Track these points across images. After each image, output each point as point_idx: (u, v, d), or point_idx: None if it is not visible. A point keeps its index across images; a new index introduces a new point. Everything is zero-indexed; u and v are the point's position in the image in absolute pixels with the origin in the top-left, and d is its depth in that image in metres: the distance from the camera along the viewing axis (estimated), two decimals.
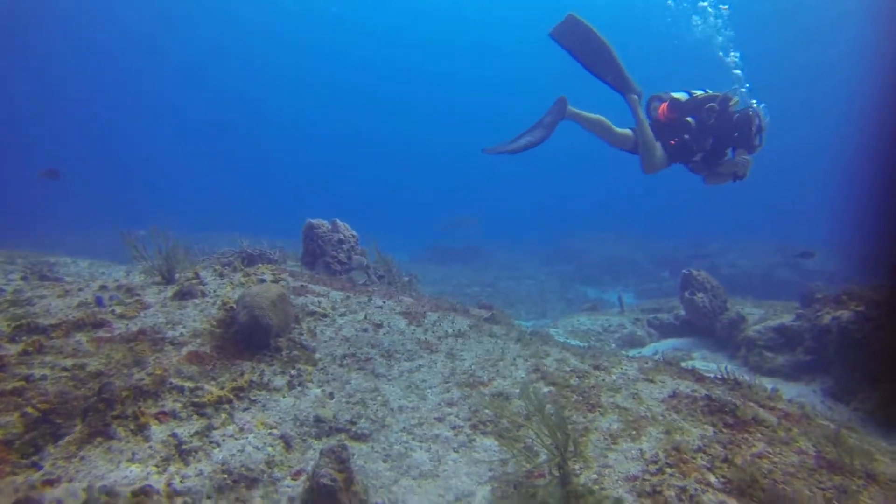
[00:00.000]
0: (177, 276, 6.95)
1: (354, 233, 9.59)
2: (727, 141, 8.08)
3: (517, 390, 5.52)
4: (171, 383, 4.63)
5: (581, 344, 10.08)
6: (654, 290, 25.00)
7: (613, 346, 11.95)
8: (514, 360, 6.22)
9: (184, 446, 4.06)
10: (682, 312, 13.06)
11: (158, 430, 4.17)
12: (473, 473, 4.38)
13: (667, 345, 11.88)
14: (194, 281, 6.59)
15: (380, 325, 6.69)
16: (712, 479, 4.09)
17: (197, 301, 6.27)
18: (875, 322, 8.28)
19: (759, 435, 4.96)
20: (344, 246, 9.07)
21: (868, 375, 7.98)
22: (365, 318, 6.76)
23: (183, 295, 6.29)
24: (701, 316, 12.05)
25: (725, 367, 7.51)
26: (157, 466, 3.83)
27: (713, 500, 3.84)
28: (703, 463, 4.28)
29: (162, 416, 4.31)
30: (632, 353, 10.17)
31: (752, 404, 5.67)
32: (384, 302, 7.49)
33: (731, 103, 7.98)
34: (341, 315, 6.72)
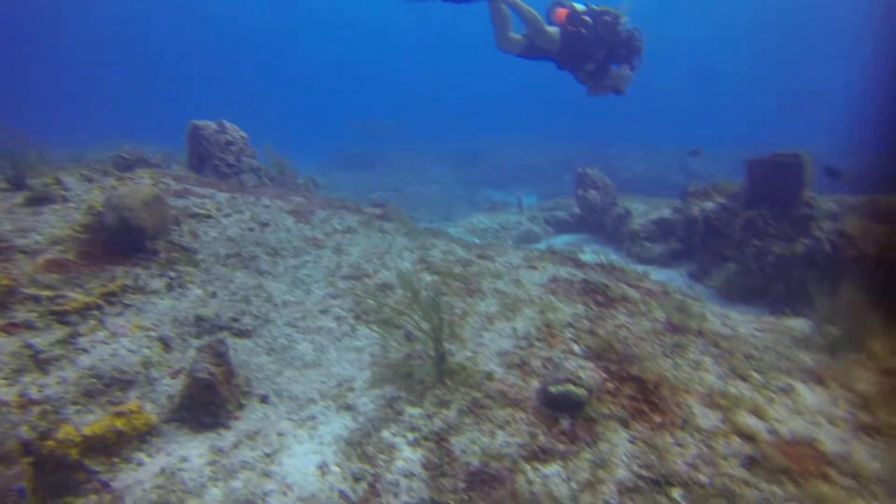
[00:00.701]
0: (29, 181, 6.39)
1: (244, 134, 9.19)
2: (614, 56, 8.45)
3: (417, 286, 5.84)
4: (22, 293, 4.44)
5: (477, 241, 10.58)
6: (557, 192, 26.07)
7: (510, 242, 12.63)
8: (401, 252, 6.49)
9: (41, 356, 3.96)
10: (577, 210, 13.88)
11: (7, 342, 4.02)
12: (355, 360, 4.71)
13: (560, 240, 12.70)
14: (54, 186, 6.15)
15: (266, 224, 6.67)
16: (576, 348, 4.66)
17: (57, 207, 5.89)
18: (731, 211, 9.31)
19: (624, 309, 5.63)
20: (232, 147, 8.70)
21: (719, 257, 9.09)
22: (251, 217, 6.70)
23: (37, 201, 5.87)
24: (593, 212, 12.90)
25: (611, 257, 8.32)
26: (5, 379, 3.72)
27: (574, 364, 4.41)
28: (570, 336, 4.84)
29: (11, 328, 4.16)
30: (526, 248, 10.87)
31: (622, 285, 6.36)
32: (272, 202, 7.42)
33: (621, 21, 8.30)
34: (226, 216, 6.61)
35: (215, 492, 3.29)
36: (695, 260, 9.91)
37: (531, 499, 3.28)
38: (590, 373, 4.27)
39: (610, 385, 4.17)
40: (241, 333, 4.91)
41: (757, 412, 3.96)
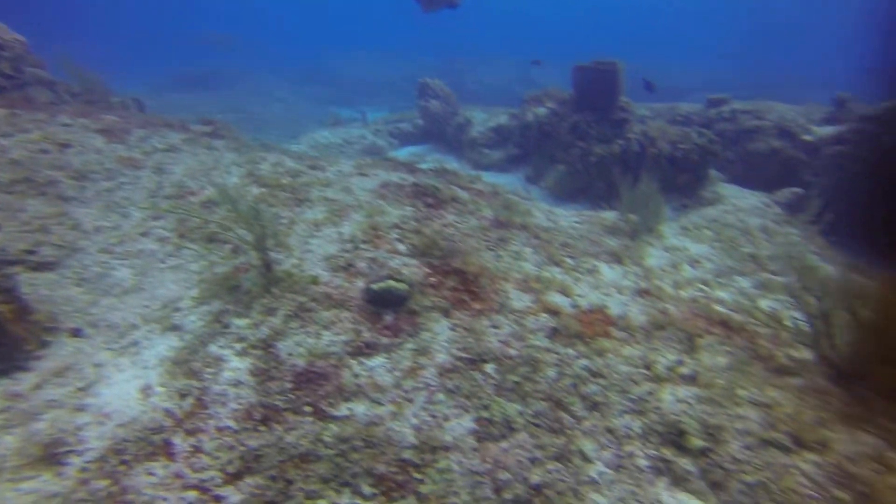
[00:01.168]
0: None
1: (20, 37, 7.64)
2: None
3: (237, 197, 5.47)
4: None
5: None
6: (408, 107, 25.80)
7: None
8: (229, 167, 6.04)
9: None
10: (421, 122, 13.82)
11: None
12: (181, 280, 4.40)
13: (405, 151, 12.66)
14: None
15: (66, 145, 5.78)
16: (401, 247, 4.73)
17: None
18: (560, 116, 9.86)
19: (453, 209, 5.79)
20: (4, 54, 7.22)
21: (551, 159, 9.70)
22: (43, 137, 5.74)
23: None
24: (435, 122, 12.93)
25: (452, 165, 8.48)
26: None
27: (399, 262, 4.48)
28: (396, 236, 4.89)
29: None
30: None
31: (454, 187, 6.52)
32: (74, 120, 6.41)
33: None
34: (5, 136, 5.60)
35: (9, 440, 2.95)
36: (530, 163, 10.46)
37: (356, 390, 3.37)
38: (413, 269, 4.37)
39: (433, 279, 4.32)
40: (41, 266, 4.31)
41: (564, 291, 4.37)
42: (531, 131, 10.45)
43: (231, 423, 3.13)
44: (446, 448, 3.04)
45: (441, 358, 3.60)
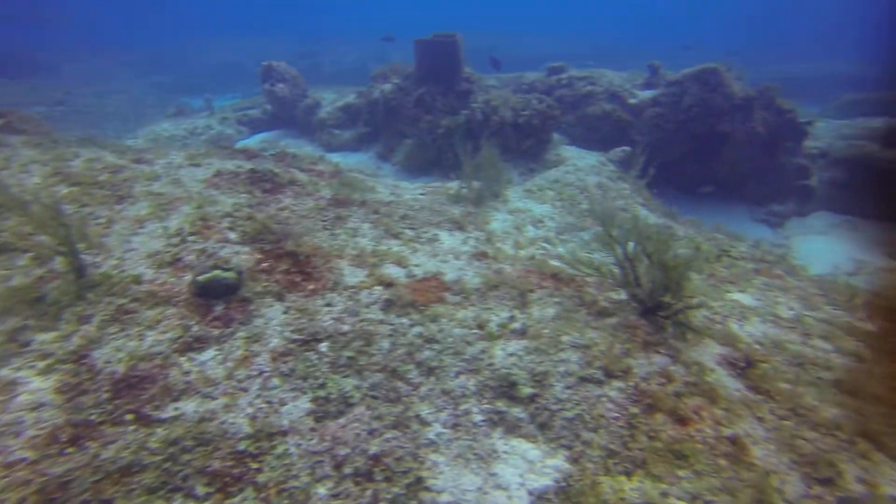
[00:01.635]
0: None
1: None
2: None
3: (30, 199, 4.80)
4: None
5: None
6: (260, 93, 24.49)
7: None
8: (26, 166, 5.30)
9: None
10: (270, 107, 13.17)
11: None
12: None
13: (255, 139, 12.01)
14: None
15: None
16: (232, 235, 4.46)
17: None
18: (405, 91, 9.87)
19: (291, 192, 5.57)
20: None
21: (400, 135, 9.71)
22: None
23: None
24: (283, 106, 12.37)
25: (305, 149, 8.14)
26: None
27: (229, 251, 4.23)
28: (227, 225, 4.60)
29: None
30: None
31: (293, 170, 6.27)
32: None
33: None
34: None
35: None
36: (381, 141, 10.38)
37: (185, 388, 3.15)
38: (244, 256, 4.15)
39: (265, 264, 4.13)
40: None
41: (400, 262, 4.38)
42: (378, 108, 10.36)
43: (26, 454, 2.77)
44: (284, 433, 2.95)
45: (274, 342, 3.47)
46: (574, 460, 2.89)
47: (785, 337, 4.26)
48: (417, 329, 3.62)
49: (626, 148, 9.52)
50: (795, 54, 29.96)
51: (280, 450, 2.83)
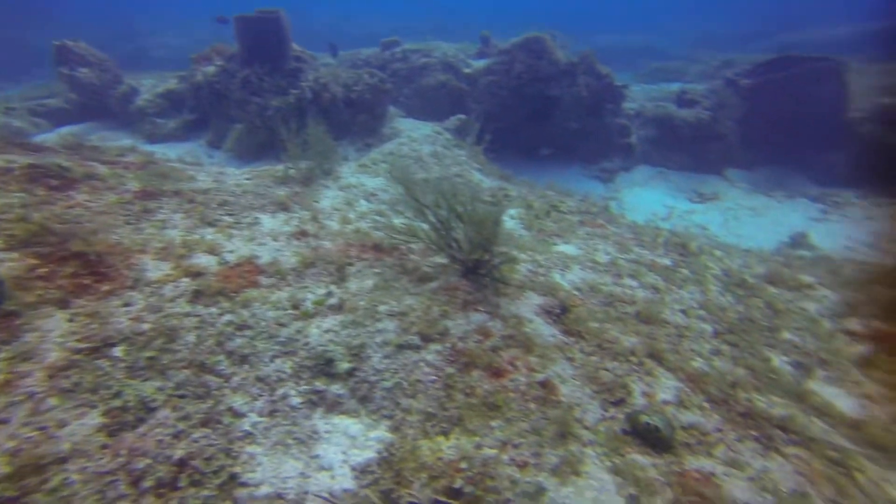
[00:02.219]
0: None
1: None
2: None
3: None
4: None
5: None
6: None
7: None
8: None
9: None
10: (75, 95, 11.59)
11: None
12: None
13: (57, 133, 10.51)
14: None
15: None
16: None
17: None
18: (229, 72, 9.18)
19: (86, 188, 4.92)
20: None
21: (229, 120, 9.06)
22: None
23: None
24: (91, 94, 10.97)
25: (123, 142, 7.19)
26: None
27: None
28: None
29: None
30: None
31: (92, 163, 5.54)
32: None
33: None
34: None
35: None
36: (210, 128, 9.61)
37: None
38: (11, 264, 3.56)
39: (43, 270, 3.59)
40: None
41: (212, 250, 4.05)
42: (203, 93, 9.56)
43: None
44: (62, 460, 2.57)
45: (53, 357, 3.02)
46: (395, 429, 2.87)
47: (600, 280, 4.61)
48: (228, 317, 3.37)
49: (462, 116, 9.72)
50: (616, 27, 32.66)
51: (55, 482, 2.47)
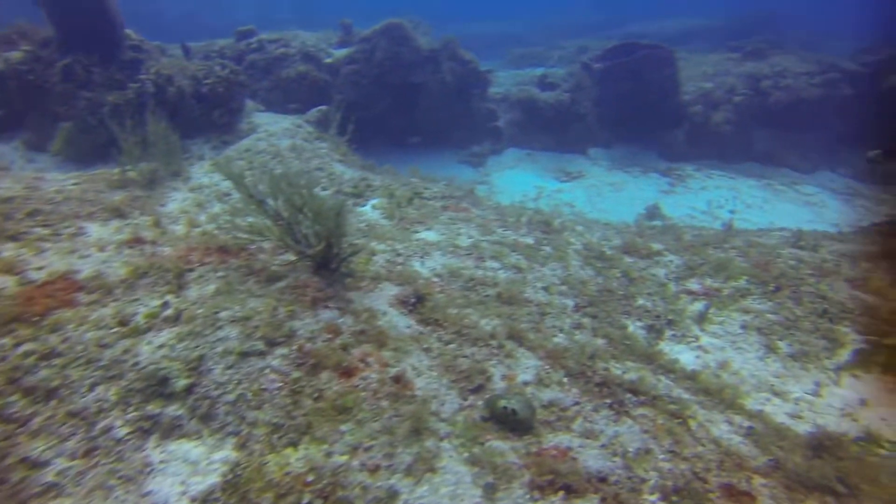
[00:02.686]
0: None
1: None
2: None
3: None
4: None
5: None
6: None
7: None
8: None
9: None
10: None
11: None
12: None
13: None
14: None
15: None
16: None
17: None
18: (46, 61, 8.06)
19: None
20: None
21: (54, 117, 7.96)
22: None
23: None
24: None
25: None
26: None
27: None
28: None
29: None
30: None
31: None
32: None
33: None
34: None
35: None
36: (27, 126, 8.38)
37: None
38: None
39: None
40: None
41: (10, 269, 3.46)
42: (11, 84, 8.29)
43: None
44: None
45: None
46: (241, 446, 2.61)
47: (462, 264, 4.59)
48: (29, 346, 2.87)
49: (323, 107, 9.35)
50: (478, 17, 33.41)
51: None
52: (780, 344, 4.41)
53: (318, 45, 11.75)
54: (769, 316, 4.68)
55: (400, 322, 3.45)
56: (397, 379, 2.89)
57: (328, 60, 11.45)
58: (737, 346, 4.41)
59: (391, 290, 3.79)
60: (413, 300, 3.63)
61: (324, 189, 6.71)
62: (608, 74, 13.42)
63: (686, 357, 4.30)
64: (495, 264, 4.66)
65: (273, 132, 8.15)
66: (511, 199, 11.57)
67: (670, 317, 4.67)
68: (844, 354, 4.35)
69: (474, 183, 12.42)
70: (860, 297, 4.89)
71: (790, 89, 13.97)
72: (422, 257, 4.64)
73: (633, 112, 13.48)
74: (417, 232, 5.35)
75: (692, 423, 3.04)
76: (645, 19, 28.30)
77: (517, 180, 12.37)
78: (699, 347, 4.41)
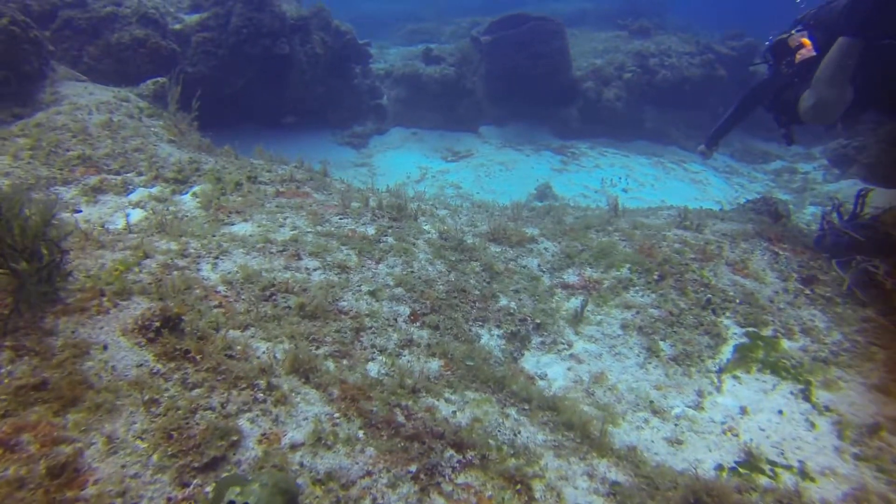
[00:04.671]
0: None
1: None
2: None
3: None
4: None
5: None
6: None
7: None
8: None
9: None
10: None
11: None
12: None
13: None
14: None
15: None
16: None
17: None
18: None
19: None
20: None
21: None
22: None
23: None
24: None
25: None
26: None
27: None
28: None
29: None
30: None
31: None
32: None
33: None
34: None
35: None
36: None
37: None
38: None
39: None
40: None
41: None
42: None
43: None
44: None
45: None
46: None
47: (267, 265, 3.49)
48: None
49: (160, 79, 7.80)
50: None
51: None
52: (663, 345, 3.70)
53: (163, 7, 10.01)
54: (652, 311, 3.97)
55: (126, 360, 2.31)
56: (59, 470, 1.76)
57: (177, 27, 9.76)
58: (615, 352, 3.65)
59: (134, 311, 2.63)
60: (158, 324, 2.50)
61: (139, 175, 5.37)
62: (495, 47, 12.62)
63: (555, 371, 3.48)
64: (313, 263, 3.60)
65: (80, 105, 6.55)
66: (393, 181, 10.55)
67: (539, 319, 3.84)
68: (726, 351, 3.72)
69: (354, 165, 11.27)
70: (740, 283, 4.32)
71: (675, 68, 13.89)
72: (217, 258, 3.48)
73: (523, 87, 12.82)
74: (232, 224, 4.18)
75: (537, 487, 2.16)
76: (541, 1, 28.13)
77: (401, 161, 11.34)
78: (572, 357, 3.60)
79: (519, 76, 12.71)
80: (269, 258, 3.56)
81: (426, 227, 4.59)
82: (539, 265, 4.49)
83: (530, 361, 3.50)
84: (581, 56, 14.08)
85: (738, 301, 4.11)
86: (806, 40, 4.57)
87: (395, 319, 3.24)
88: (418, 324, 3.30)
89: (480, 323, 3.55)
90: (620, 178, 11.31)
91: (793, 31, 4.78)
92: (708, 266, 4.47)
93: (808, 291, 4.24)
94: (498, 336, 3.52)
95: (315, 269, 3.53)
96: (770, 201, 7.03)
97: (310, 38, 10.74)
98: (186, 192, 5.00)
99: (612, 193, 10.73)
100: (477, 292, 3.83)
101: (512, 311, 3.80)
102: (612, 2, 26.38)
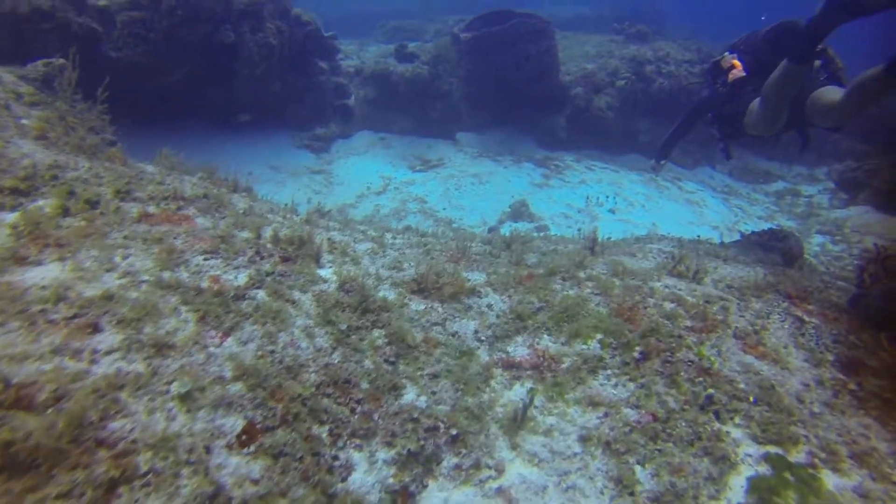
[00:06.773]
0: None
1: None
2: None
3: None
4: None
5: None
6: None
7: None
8: None
9: None
10: None
11: None
12: None
13: None
14: None
15: None
16: None
17: None
18: None
19: None
20: None
21: None
22: None
23: None
24: None
25: None
26: None
27: None
28: None
29: None
30: None
31: None
32: None
33: None
34: None
35: None
36: None
37: None
38: None
39: None
40: None
41: None
42: None
43: None
44: None
45: None
46: None
47: (27, 346, 2.25)
48: None
49: (53, 60, 6.53)
50: None
51: None
52: (640, 474, 2.48)
53: None
54: (627, 413, 2.75)
55: None
56: None
57: (101, 3, 8.50)
58: (566, 486, 2.43)
59: None
60: None
61: None
62: (476, 45, 11.43)
63: None
64: (113, 340, 2.35)
65: None
66: (351, 193, 9.31)
67: (460, 425, 2.61)
68: (736, 488, 2.50)
69: (310, 171, 10.02)
70: (754, 368, 3.12)
71: (673, 77, 12.77)
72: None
73: (505, 91, 11.63)
74: (37, 264, 2.93)
75: None
76: (538, 5, 27.17)
77: (363, 169, 10.10)
78: (499, 492, 2.38)
79: (501, 78, 11.52)
80: (39, 332, 2.30)
81: (325, 274, 3.35)
82: (476, 331, 3.27)
83: (432, 502, 2.27)
84: (571, 60, 12.92)
85: (751, 399, 2.90)
86: (736, 62, 5.27)
87: (208, 448, 1.99)
88: (249, 450, 2.06)
89: (358, 442, 2.31)
90: (608, 197, 10.13)
91: (725, 54, 5.49)
92: (709, 340, 3.26)
93: (853, 386, 3.03)
94: (384, 463, 2.29)
95: (109, 353, 2.28)
96: (780, 234, 5.86)
97: (262, 27, 9.49)
98: (15, 211, 3.72)
99: (596, 213, 9.54)
100: (366, 384, 2.59)
101: (418, 412, 2.57)
102: (612, 8, 25.39)
